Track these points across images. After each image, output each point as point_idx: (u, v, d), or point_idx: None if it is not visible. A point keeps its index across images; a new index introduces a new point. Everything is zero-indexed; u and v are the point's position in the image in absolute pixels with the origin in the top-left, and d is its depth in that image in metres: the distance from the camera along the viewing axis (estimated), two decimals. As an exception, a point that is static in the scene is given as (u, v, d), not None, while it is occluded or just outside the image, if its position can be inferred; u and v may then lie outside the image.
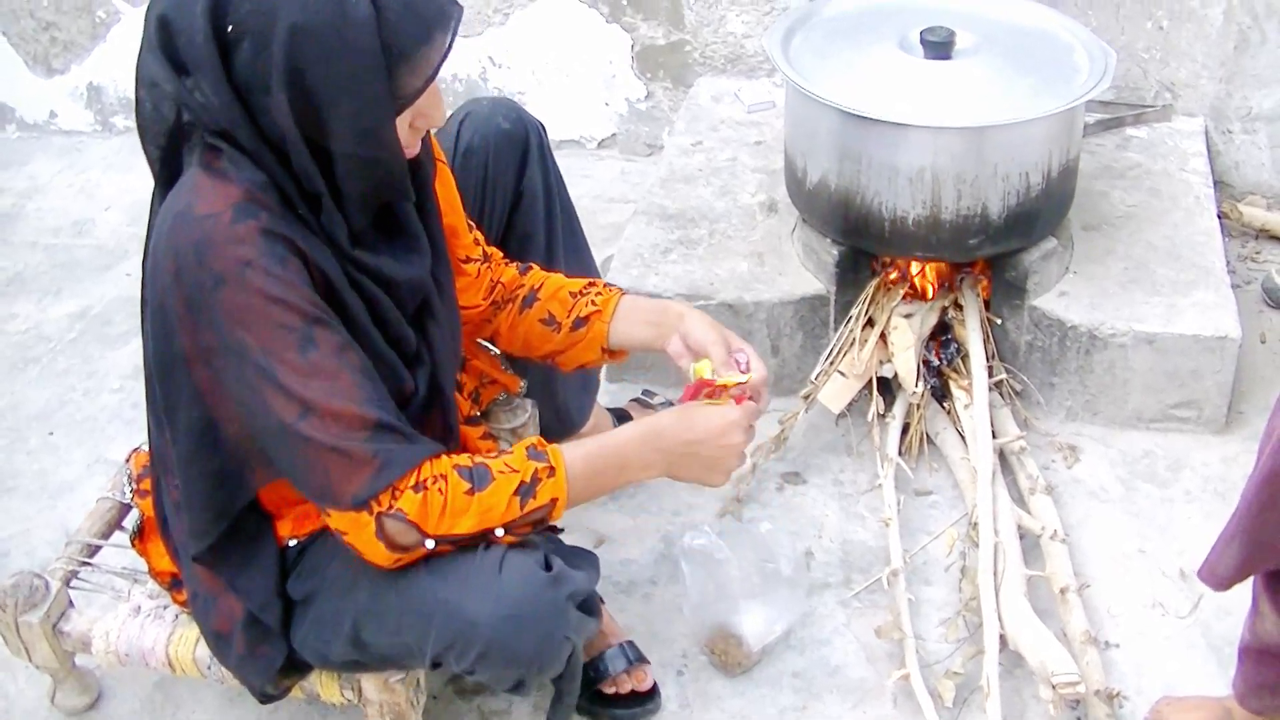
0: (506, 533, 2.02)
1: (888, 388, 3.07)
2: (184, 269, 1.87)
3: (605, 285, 2.46)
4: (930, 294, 3.15)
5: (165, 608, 2.37)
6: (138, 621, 2.34)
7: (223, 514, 2.07)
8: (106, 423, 3.38)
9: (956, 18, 3.07)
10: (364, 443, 1.91)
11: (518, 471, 2.01)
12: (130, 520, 2.50)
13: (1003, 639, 2.56)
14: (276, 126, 1.87)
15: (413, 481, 1.94)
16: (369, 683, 2.23)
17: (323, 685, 2.28)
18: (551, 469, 2.03)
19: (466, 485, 1.97)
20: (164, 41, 1.87)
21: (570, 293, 2.44)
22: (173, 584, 2.33)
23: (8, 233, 4.20)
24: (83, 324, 3.76)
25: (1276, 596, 2.14)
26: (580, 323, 2.41)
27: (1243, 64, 3.70)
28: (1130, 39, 3.72)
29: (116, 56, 4.46)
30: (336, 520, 1.97)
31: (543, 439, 2.09)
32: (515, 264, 2.51)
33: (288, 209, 1.92)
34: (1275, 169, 3.81)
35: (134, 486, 2.48)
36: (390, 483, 1.93)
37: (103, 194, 4.34)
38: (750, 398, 2.21)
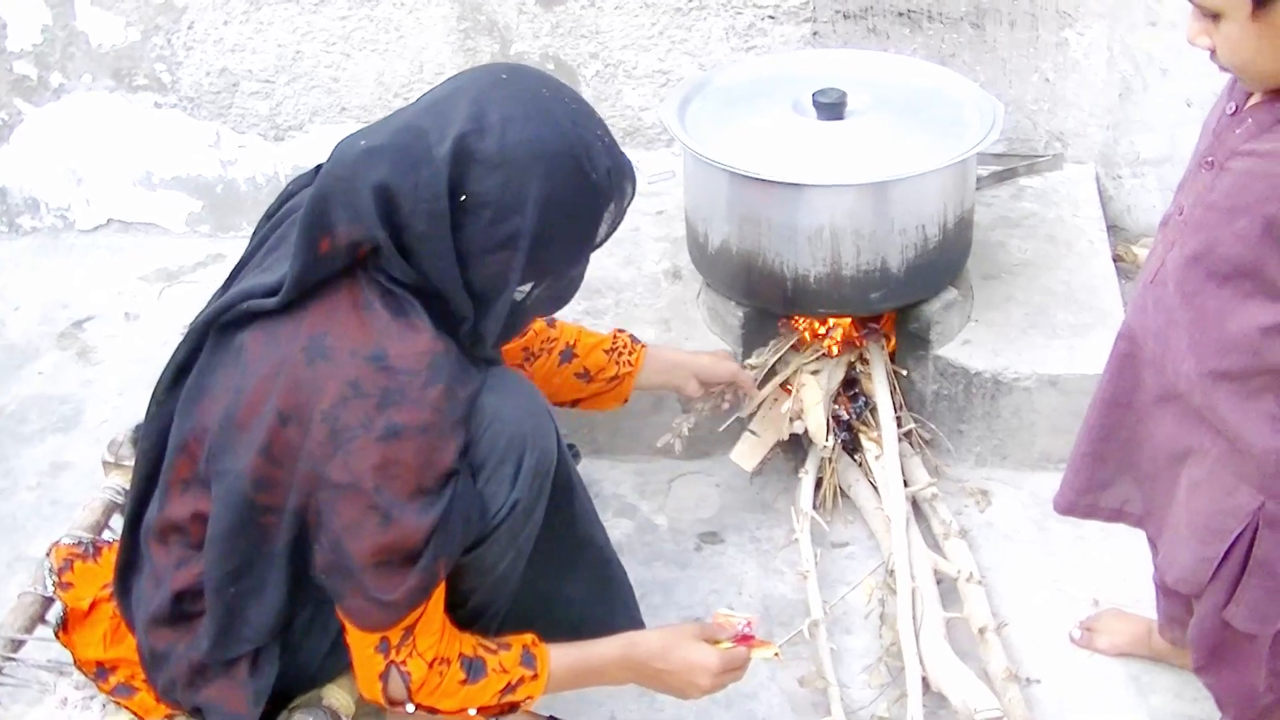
0: (478, 712, 2.19)
1: (799, 444, 3.12)
2: (352, 406, 1.96)
3: (629, 340, 2.76)
4: (836, 350, 3.20)
5: (92, 698, 2.35)
6: (65, 714, 2.33)
7: (276, 629, 2.16)
8: (24, 520, 3.36)
9: (848, 80, 3.13)
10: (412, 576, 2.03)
11: (508, 673, 2.17)
12: (53, 613, 2.48)
13: (925, 681, 2.60)
14: (483, 281, 2.02)
15: (429, 650, 2.10)
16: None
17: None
18: (536, 675, 2.19)
19: (462, 676, 2.14)
20: (383, 207, 1.96)
21: (604, 350, 2.72)
22: (98, 673, 2.33)
23: (-84, 336, 4.16)
24: (-4, 424, 3.74)
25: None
26: (613, 380, 2.72)
27: (1128, 111, 3.79)
28: (1018, 92, 3.81)
29: (20, 158, 4.40)
30: (354, 639, 2.11)
31: (538, 639, 2.22)
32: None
33: (454, 343, 2.05)
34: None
35: (56, 579, 2.47)
36: (411, 627, 2.08)
37: (11, 294, 4.30)
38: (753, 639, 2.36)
